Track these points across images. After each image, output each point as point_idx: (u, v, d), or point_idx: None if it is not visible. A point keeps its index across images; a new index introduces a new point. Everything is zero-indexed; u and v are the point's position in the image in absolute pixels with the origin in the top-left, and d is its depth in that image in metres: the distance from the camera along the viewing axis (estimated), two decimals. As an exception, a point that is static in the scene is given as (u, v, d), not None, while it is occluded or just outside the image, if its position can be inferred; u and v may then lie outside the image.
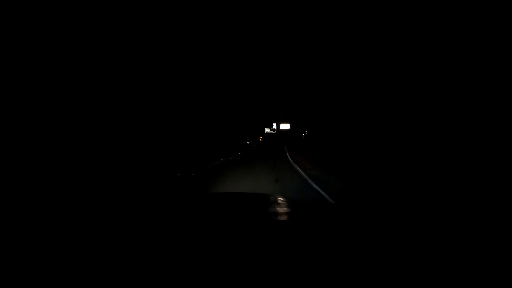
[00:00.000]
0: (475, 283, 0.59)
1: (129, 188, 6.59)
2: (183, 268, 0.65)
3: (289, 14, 32.74)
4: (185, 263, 0.67)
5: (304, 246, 0.75)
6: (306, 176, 6.96)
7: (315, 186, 5.62)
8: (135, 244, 0.79)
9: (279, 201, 1.43)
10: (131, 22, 14.87)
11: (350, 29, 14.72)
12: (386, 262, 0.66)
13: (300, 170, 8.17)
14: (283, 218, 1.13)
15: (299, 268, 0.64)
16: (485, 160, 5.80)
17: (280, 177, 6.96)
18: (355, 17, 13.78)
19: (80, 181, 7.57)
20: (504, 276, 0.60)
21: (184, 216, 1.14)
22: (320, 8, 20.12)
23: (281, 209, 1.26)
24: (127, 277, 0.62)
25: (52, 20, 9.92)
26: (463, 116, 7.23)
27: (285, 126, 39.96)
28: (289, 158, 13.09)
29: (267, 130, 44.54)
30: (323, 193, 4.96)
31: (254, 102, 51.18)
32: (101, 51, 12.48)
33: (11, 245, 0.83)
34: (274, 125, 44.12)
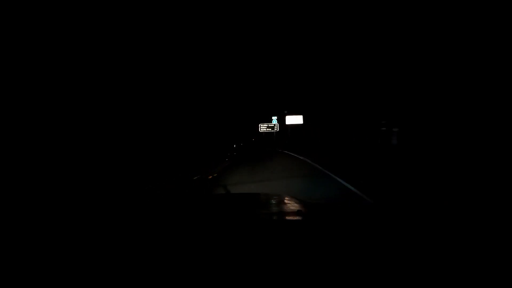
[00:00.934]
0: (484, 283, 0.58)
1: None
2: (186, 269, 0.64)
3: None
4: (189, 264, 0.66)
5: (309, 247, 0.74)
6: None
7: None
8: (135, 245, 0.78)
9: (286, 201, 1.40)
10: (119, 19, 14.40)
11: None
12: (392, 263, 0.65)
13: None
14: (289, 218, 1.14)
15: (304, 268, 0.63)
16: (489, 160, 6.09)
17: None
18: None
19: (74, 183, 7.35)
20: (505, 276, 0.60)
21: (191, 217, 1.15)
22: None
23: (287, 209, 1.26)
24: (126, 277, 0.61)
25: (52, 20, 9.73)
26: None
27: (294, 120, 23.87)
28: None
29: (263, 127, 28.43)
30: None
31: (246, 92, 39.98)
32: (92, 52, 11.98)
33: (11, 246, 0.80)
34: (275, 119, 28.06)
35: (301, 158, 13.36)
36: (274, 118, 28.16)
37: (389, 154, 10.73)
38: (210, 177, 9.16)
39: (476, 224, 1.06)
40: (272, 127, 28.14)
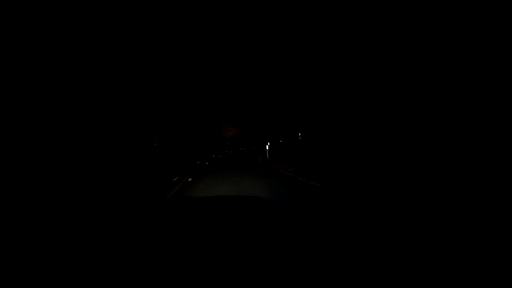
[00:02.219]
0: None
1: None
2: (176, 269, 0.64)
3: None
4: (178, 264, 0.66)
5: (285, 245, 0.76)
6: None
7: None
8: (130, 246, 0.79)
9: (261, 203, 1.43)
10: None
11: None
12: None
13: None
14: (269, 220, 1.14)
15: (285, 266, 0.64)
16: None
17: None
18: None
19: (73, 184, 7.39)
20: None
21: (175, 219, 1.16)
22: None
23: (265, 211, 1.28)
24: (126, 276, 0.61)
25: (52, 20, 9.90)
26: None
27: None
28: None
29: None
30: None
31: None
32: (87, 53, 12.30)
33: (10, 247, 0.80)
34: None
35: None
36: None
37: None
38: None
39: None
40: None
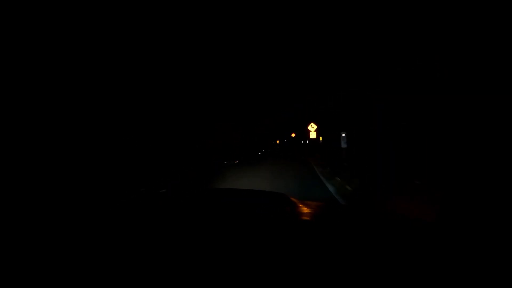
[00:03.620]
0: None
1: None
2: (186, 269, 0.62)
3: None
4: (189, 265, 0.64)
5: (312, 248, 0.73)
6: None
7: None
8: (135, 244, 0.76)
9: (290, 201, 1.28)
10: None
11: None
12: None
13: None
14: (296, 219, 1.06)
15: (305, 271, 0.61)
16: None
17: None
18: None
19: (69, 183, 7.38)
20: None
21: (190, 213, 1.09)
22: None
23: (293, 210, 1.18)
24: (125, 277, 0.60)
25: (51, 20, 9.95)
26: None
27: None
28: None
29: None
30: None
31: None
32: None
33: (10, 246, 0.79)
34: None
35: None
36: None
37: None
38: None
39: None
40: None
